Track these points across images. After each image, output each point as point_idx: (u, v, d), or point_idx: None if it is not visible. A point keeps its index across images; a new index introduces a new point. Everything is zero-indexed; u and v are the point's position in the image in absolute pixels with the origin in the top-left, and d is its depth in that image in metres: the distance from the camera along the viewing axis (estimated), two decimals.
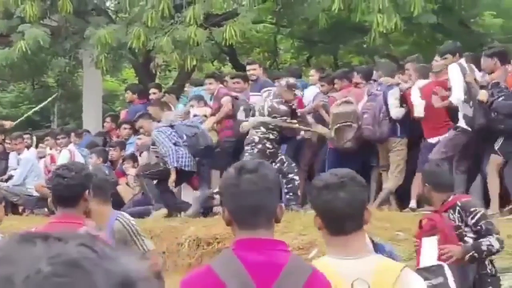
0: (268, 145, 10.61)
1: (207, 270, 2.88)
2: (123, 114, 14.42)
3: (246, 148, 10.72)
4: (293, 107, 10.94)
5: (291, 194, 10.59)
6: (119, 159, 12.91)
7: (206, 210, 11.45)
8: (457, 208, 5.98)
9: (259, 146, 10.58)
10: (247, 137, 10.86)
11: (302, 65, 20.59)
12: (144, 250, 5.52)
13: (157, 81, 18.07)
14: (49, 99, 19.81)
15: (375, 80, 11.67)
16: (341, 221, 2.96)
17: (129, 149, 12.91)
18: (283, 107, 10.76)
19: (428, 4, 14.71)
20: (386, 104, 10.72)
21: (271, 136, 10.64)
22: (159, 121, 12.06)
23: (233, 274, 2.83)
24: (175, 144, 11.24)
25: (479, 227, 5.97)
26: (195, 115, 11.85)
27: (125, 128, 13.57)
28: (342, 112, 10.84)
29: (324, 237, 3.03)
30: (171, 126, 11.46)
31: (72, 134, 14.77)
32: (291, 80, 11.08)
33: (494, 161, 9.80)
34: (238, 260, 2.85)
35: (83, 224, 4.51)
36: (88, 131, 15.77)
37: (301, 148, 11.88)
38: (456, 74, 9.62)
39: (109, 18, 17.94)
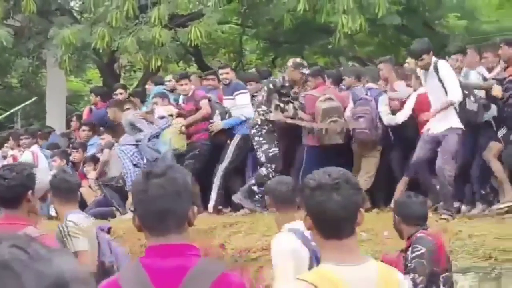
0: (271, 126, 10.63)
1: (113, 282, 2.85)
2: (85, 114, 14.28)
3: (252, 131, 10.69)
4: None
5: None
6: (81, 161, 12.82)
7: None
8: (412, 241, 5.75)
9: (265, 127, 10.59)
10: (250, 121, 10.91)
11: (268, 66, 20.59)
12: (74, 251, 5.51)
13: (121, 81, 18.00)
14: (28, 102, 19.51)
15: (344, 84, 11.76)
16: (335, 224, 2.87)
17: (90, 151, 12.81)
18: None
19: (392, 5, 14.79)
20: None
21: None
22: (118, 123, 12.04)
23: (135, 283, 2.80)
24: (135, 165, 11.30)
25: (409, 264, 5.62)
26: (162, 117, 11.72)
27: (84, 130, 13.46)
28: (330, 107, 10.83)
29: (316, 239, 2.96)
30: (136, 145, 11.41)
31: (38, 134, 14.63)
32: (298, 59, 11.01)
33: (494, 147, 9.67)
34: (142, 269, 2.82)
35: (27, 224, 4.47)
36: (53, 130, 15.60)
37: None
38: (448, 71, 9.29)
39: (74, 18, 17.83)
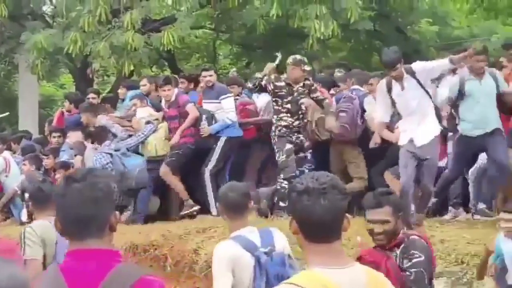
0: (284, 131, 10.28)
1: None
2: (56, 118, 14.14)
3: (271, 134, 10.48)
4: (314, 95, 10.48)
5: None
6: (52, 167, 12.71)
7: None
8: (402, 246, 5.12)
9: (277, 132, 10.31)
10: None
11: (241, 71, 20.60)
12: (24, 258, 5.55)
13: (95, 86, 17.90)
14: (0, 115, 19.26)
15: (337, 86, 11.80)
16: (321, 229, 2.85)
17: (63, 157, 12.71)
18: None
19: (365, 11, 14.87)
20: (362, 108, 10.76)
21: (284, 123, 10.29)
22: (91, 127, 11.98)
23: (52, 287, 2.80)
24: None
25: (408, 273, 5.12)
26: (148, 122, 11.65)
27: (54, 137, 13.36)
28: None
29: (302, 243, 2.95)
30: (111, 155, 11.36)
31: (11, 139, 14.49)
32: (297, 56, 10.71)
33: None
34: (60, 273, 2.81)
35: None
36: (28, 132, 15.44)
37: (251, 152, 11.81)
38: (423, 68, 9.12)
39: (46, 22, 17.74)
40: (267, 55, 20.27)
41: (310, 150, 10.82)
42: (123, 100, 13.51)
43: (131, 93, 12.89)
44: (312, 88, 10.46)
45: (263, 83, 10.31)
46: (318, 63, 16.65)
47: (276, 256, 4.90)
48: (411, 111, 8.86)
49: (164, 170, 11.23)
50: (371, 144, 10.11)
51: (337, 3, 14.05)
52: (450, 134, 9.96)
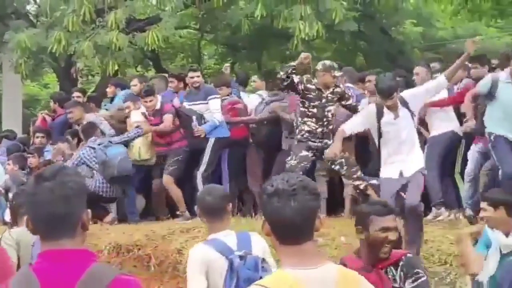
0: (306, 136, 9.89)
1: None
2: (39, 121, 14.05)
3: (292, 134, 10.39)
4: (347, 103, 10.22)
5: None
6: (37, 166, 12.63)
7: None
8: (401, 264, 4.77)
9: (298, 136, 9.94)
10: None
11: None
12: None
13: (79, 86, 17.82)
14: None
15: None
16: (292, 231, 2.86)
17: (47, 157, 12.65)
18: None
19: (349, 12, 14.88)
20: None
21: (307, 128, 9.90)
22: (80, 124, 11.93)
23: None
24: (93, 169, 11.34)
25: None
26: (137, 126, 11.60)
27: (37, 137, 13.28)
28: None
29: (274, 245, 2.96)
30: (94, 148, 11.32)
31: None
32: (327, 62, 10.33)
33: None
34: (33, 275, 2.79)
35: None
36: (12, 132, 15.36)
37: (246, 154, 11.79)
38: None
39: (30, 22, 17.66)
40: (252, 55, 20.35)
41: None
42: (112, 98, 13.44)
43: (122, 93, 12.79)
44: (345, 96, 10.18)
45: (296, 80, 9.79)
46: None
47: (249, 260, 4.89)
48: (401, 141, 8.43)
49: (167, 180, 11.17)
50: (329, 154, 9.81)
51: (322, 4, 14.05)
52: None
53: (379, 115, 8.43)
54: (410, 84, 11.19)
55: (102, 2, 14.61)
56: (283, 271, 2.88)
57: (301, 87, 9.82)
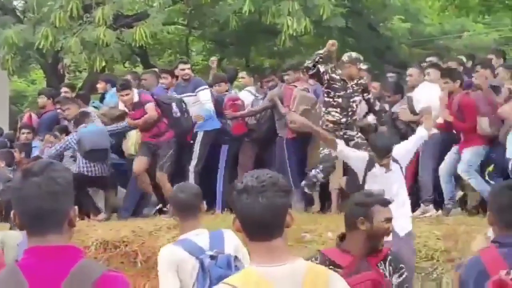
0: (330, 127, 9.76)
1: None
2: (26, 117, 13.99)
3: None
4: (368, 96, 10.16)
5: None
6: (21, 161, 12.56)
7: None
8: (389, 259, 4.73)
9: (324, 127, 9.69)
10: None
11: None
12: None
13: (66, 82, 17.77)
14: None
15: None
16: (261, 227, 2.87)
17: (34, 153, 12.61)
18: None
19: (337, 8, 14.90)
20: None
21: (331, 118, 9.84)
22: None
23: (11, 286, 2.75)
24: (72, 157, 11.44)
25: None
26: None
27: (23, 133, 13.22)
28: (307, 96, 10.91)
29: (246, 241, 2.98)
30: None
31: None
32: (353, 54, 10.19)
33: None
34: (19, 271, 2.77)
35: None
36: (2, 130, 15.30)
37: (242, 149, 11.77)
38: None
39: (17, 17, 17.61)
40: (240, 51, 20.32)
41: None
42: (102, 94, 13.36)
43: (114, 90, 12.65)
44: (368, 89, 10.19)
45: (321, 69, 9.69)
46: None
47: (221, 259, 4.82)
48: (392, 194, 7.53)
49: (162, 178, 10.93)
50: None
51: (310, 0, 14.08)
52: None
53: (370, 166, 8.13)
54: (402, 80, 11.29)
55: None
56: (250, 268, 2.90)
57: (326, 76, 9.74)
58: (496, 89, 10.13)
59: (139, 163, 11.07)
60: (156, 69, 13.73)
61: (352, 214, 4.63)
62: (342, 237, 4.64)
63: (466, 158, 9.95)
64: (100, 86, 13.43)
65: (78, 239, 9.71)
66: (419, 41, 20.94)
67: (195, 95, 11.28)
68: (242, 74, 13.13)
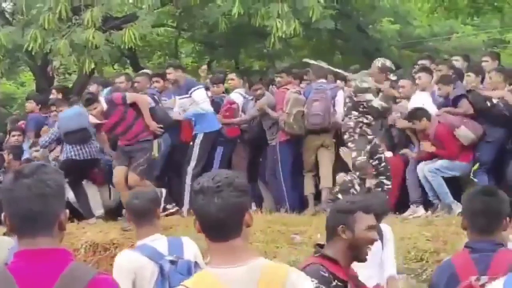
0: (365, 128, 9.86)
1: None
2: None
3: (345, 137, 10.05)
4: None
5: None
6: (9, 163, 12.50)
7: None
8: None
9: (358, 130, 9.83)
10: (343, 124, 10.25)
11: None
12: None
13: (55, 84, 17.73)
14: None
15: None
16: (217, 227, 2.90)
17: (25, 155, 12.57)
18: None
19: (326, 10, 14.91)
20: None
21: (365, 120, 9.91)
22: None
23: None
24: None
25: None
26: None
27: (13, 136, 13.18)
28: (300, 98, 10.96)
29: (206, 242, 3.00)
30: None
31: None
32: (387, 63, 10.31)
33: None
34: (9, 275, 2.76)
35: None
36: None
37: (235, 150, 11.82)
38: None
39: (5, 19, 17.54)
40: (229, 53, 20.33)
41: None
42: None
43: (105, 91, 12.57)
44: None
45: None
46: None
47: (181, 264, 4.75)
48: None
49: (135, 180, 10.55)
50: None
51: (299, 1, 14.08)
52: None
53: None
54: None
55: (79, 0, 14.55)
56: (206, 270, 2.94)
57: None
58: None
59: (119, 174, 10.77)
60: (149, 71, 13.69)
61: (333, 222, 4.29)
62: (321, 245, 4.32)
63: (440, 163, 10.03)
64: (92, 89, 13.40)
65: (67, 241, 9.69)
66: (409, 43, 20.99)
67: (190, 97, 11.23)
68: (232, 76, 13.12)
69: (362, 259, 4.28)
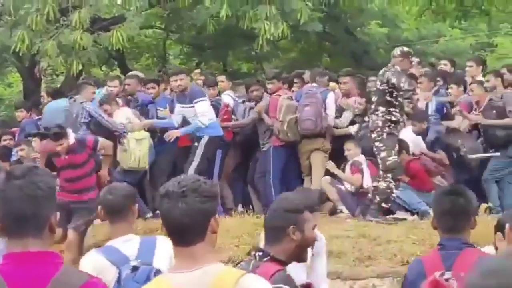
0: (392, 127, 9.73)
1: None
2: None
3: (373, 136, 9.87)
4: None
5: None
6: None
7: None
8: None
9: (386, 129, 9.70)
10: (369, 124, 10.08)
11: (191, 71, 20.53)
12: None
13: (43, 85, 17.71)
14: None
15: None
16: (180, 232, 2.91)
17: (13, 158, 12.49)
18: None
19: (314, 12, 14.93)
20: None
21: (393, 118, 9.74)
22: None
23: None
24: None
25: None
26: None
27: (5, 140, 13.09)
28: (293, 105, 10.99)
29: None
30: None
31: None
32: (405, 48, 10.27)
33: None
34: (1, 278, 2.74)
35: None
36: None
37: (228, 152, 11.78)
38: None
39: None
40: (217, 55, 20.33)
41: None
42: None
43: (100, 94, 12.33)
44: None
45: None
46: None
47: (141, 272, 4.42)
48: None
49: (73, 238, 9.48)
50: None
51: (287, 4, 14.08)
52: None
53: None
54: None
55: (67, 1, 14.51)
56: (162, 275, 3.01)
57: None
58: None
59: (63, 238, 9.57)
60: (139, 74, 13.61)
61: (282, 222, 3.98)
62: (259, 250, 4.01)
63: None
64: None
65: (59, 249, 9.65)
66: (397, 45, 21.03)
67: (193, 107, 10.98)
68: (221, 78, 13.11)
69: (305, 260, 4.13)
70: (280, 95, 11.34)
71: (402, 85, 9.57)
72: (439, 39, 22.23)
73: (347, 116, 11.25)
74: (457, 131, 10.79)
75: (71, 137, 9.66)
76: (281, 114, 10.93)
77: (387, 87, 9.69)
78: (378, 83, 9.83)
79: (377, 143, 9.80)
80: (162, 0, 15.69)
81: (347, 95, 11.47)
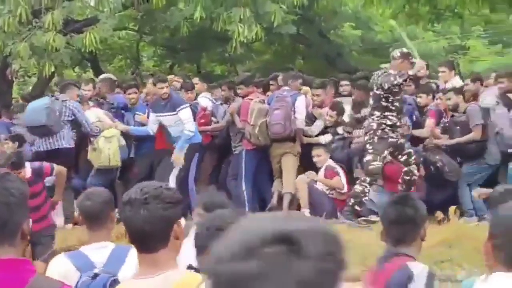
0: (387, 130, 9.71)
1: None
2: None
3: (365, 138, 9.88)
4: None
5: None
6: None
7: None
8: None
9: (378, 132, 9.69)
10: (365, 125, 10.03)
11: (164, 73, 20.48)
12: None
13: (15, 87, 17.59)
14: None
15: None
16: (142, 239, 2.92)
17: None
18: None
19: (288, 15, 14.94)
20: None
21: (389, 122, 9.72)
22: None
23: None
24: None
25: None
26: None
27: None
28: (264, 108, 10.97)
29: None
30: None
31: None
32: (404, 49, 10.19)
33: None
34: None
35: None
36: None
37: (203, 156, 11.79)
38: None
39: None
40: (191, 57, 20.30)
41: None
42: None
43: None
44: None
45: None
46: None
47: (99, 279, 4.32)
48: None
49: (41, 268, 9.39)
50: None
51: (261, 6, 14.09)
52: None
53: None
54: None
55: (39, 2, 14.41)
56: (125, 282, 3.05)
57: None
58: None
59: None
60: (112, 76, 13.52)
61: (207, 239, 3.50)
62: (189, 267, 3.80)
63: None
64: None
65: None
66: (370, 48, 21.11)
67: (175, 114, 10.95)
68: (195, 80, 13.10)
69: None
70: (251, 99, 11.35)
71: (395, 82, 9.59)
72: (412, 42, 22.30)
73: (318, 124, 11.25)
74: (436, 148, 10.67)
75: (28, 170, 8.98)
76: (252, 118, 10.94)
77: (382, 92, 9.72)
78: (375, 87, 9.87)
79: (367, 145, 9.86)
80: (135, 2, 15.61)
81: (320, 106, 11.48)
